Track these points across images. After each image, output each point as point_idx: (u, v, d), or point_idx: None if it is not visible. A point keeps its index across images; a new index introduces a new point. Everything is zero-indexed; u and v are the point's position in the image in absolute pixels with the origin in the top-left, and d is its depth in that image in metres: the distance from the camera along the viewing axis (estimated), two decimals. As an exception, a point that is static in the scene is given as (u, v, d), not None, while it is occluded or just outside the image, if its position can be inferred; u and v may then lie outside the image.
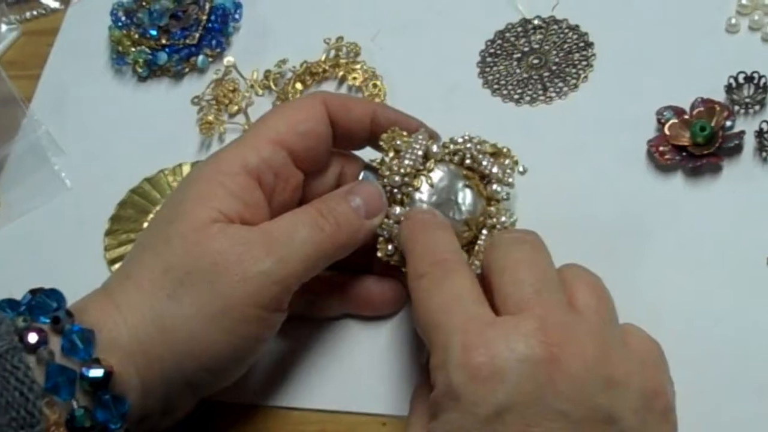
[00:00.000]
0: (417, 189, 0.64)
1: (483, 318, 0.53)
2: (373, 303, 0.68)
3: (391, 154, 0.65)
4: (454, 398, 0.50)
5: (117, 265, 0.76)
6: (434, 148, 0.65)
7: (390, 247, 0.64)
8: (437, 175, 0.65)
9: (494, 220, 0.65)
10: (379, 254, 0.64)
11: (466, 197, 0.65)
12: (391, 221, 0.64)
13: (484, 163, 0.65)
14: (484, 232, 0.65)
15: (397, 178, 0.64)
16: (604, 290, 0.56)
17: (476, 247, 0.65)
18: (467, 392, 0.50)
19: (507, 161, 0.67)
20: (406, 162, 0.64)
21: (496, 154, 0.67)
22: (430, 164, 0.65)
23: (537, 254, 0.57)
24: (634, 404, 0.51)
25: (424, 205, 0.64)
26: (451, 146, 0.66)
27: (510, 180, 0.66)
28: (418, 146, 0.65)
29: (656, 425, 0.52)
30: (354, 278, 0.68)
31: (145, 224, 0.78)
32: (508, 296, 0.54)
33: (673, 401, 0.54)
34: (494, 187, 0.65)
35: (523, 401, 0.49)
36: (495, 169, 0.65)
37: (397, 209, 0.64)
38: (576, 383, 0.49)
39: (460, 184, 0.65)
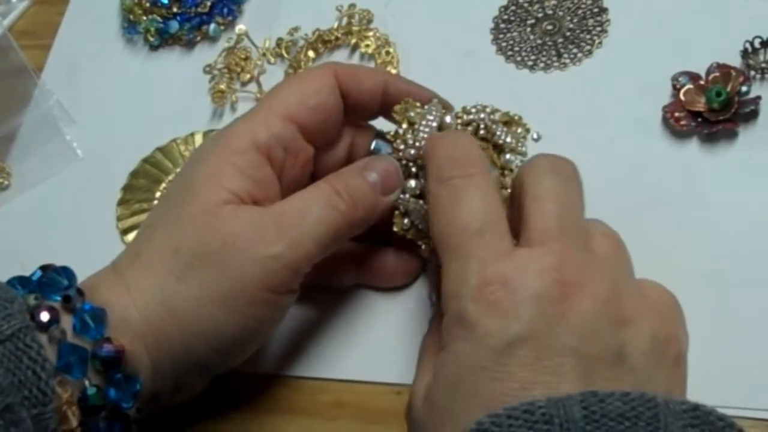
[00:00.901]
0: None
1: (501, 248, 0.52)
2: (387, 274, 0.68)
3: (405, 126, 0.64)
4: (465, 327, 0.50)
5: (130, 235, 0.76)
6: (447, 119, 0.64)
7: (406, 221, 0.63)
8: None
9: (508, 190, 0.64)
10: (395, 228, 0.64)
11: None
12: (406, 195, 0.63)
13: (498, 132, 0.65)
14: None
15: (412, 151, 0.63)
16: (622, 244, 0.56)
17: None
18: (480, 323, 0.50)
19: (519, 130, 0.66)
20: (421, 134, 0.63)
21: (509, 122, 0.66)
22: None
23: (569, 188, 0.56)
24: (645, 347, 0.50)
25: None
26: (465, 116, 0.65)
27: (523, 149, 0.65)
28: (432, 117, 0.64)
29: (666, 369, 0.51)
30: (369, 250, 0.67)
31: (158, 194, 0.78)
32: (532, 225, 0.53)
33: (686, 351, 0.53)
34: (507, 156, 0.65)
35: (534, 336, 0.49)
36: (509, 139, 0.65)
37: (412, 182, 0.63)
38: (587, 320, 0.49)
39: None
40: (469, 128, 0.65)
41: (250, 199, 0.60)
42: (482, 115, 0.65)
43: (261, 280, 0.58)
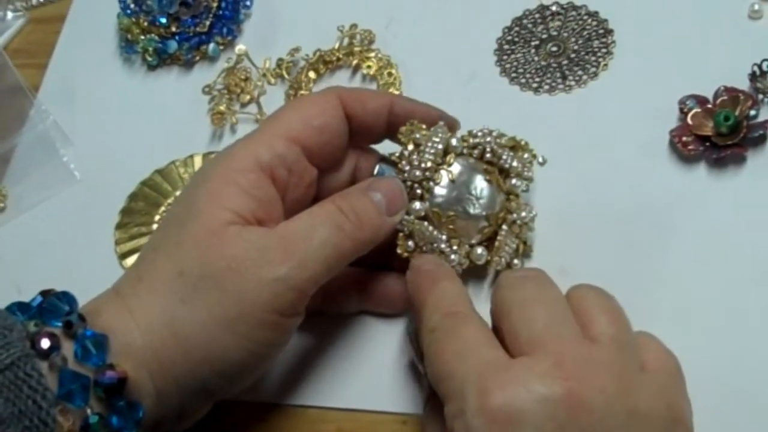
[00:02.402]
0: (437, 184, 0.63)
1: (497, 361, 0.51)
2: (391, 300, 0.67)
3: (411, 148, 0.64)
4: None
5: (128, 260, 0.75)
6: (453, 142, 0.65)
7: (410, 243, 0.63)
8: (456, 169, 0.64)
9: (514, 215, 0.64)
10: (398, 251, 0.64)
11: (485, 192, 0.64)
12: (411, 217, 0.63)
13: (504, 156, 0.64)
14: (504, 227, 0.64)
15: (417, 173, 0.63)
16: (618, 312, 0.55)
17: (497, 243, 0.64)
18: None
19: (526, 155, 0.66)
20: (427, 156, 0.63)
21: (515, 147, 0.66)
22: (449, 158, 0.64)
23: (543, 290, 0.56)
24: None
25: (441, 199, 0.64)
26: (471, 140, 0.65)
27: (529, 174, 0.65)
28: (438, 139, 0.64)
29: None
30: (372, 275, 0.67)
31: (157, 217, 0.77)
32: (518, 335, 0.53)
33: (691, 423, 0.53)
34: (513, 181, 0.65)
35: None
36: (515, 163, 0.65)
37: (417, 204, 0.63)
38: (599, 419, 0.48)
39: (480, 179, 0.64)
40: (475, 152, 0.65)
41: (253, 219, 0.59)
42: (488, 139, 0.65)
43: (268, 303, 0.57)
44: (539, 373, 0.49)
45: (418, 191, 0.64)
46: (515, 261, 0.65)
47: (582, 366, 0.50)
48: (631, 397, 0.50)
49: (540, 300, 0.54)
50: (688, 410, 0.53)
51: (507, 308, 0.54)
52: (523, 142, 0.66)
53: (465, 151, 0.65)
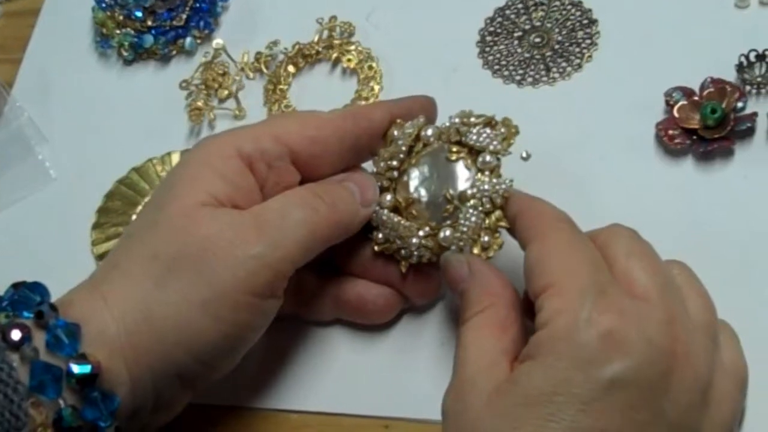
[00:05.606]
0: (401, 174, 0.64)
1: (619, 291, 0.53)
2: (365, 310, 0.66)
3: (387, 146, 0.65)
4: (572, 346, 0.50)
5: (106, 261, 0.74)
6: (428, 131, 0.64)
7: (380, 235, 0.64)
8: (423, 158, 0.64)
9: (475, 189, 0.62)
10: (373, 245, 0.64)
11: (448, 172, 0.63)
12: (378, 209, 0.64)
13: (471, 133, 0.63)
14: (467, 203, 0.62)
15: (382, 164, 0.64)
16: (711, 303, 0.58)
17: (459, 220, 0.62)
18: (590, 347, 0.50)
19: (502, 129, 0.63)
20: (392, 149, 0.64)
21: (491, 124, 0.64)
22: (418, 148, 0.64)
23: (656, 255, 0.57)
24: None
25: (403, 186, 0.64)
26: (441, 126, 0.65)
27: (498, 147, 0.63)
28: (405, 134, 0.64)
29: None
30: (346, 282, 0.66)
31: (134, 216, 0.76)
32: (636, 280, 0.54)
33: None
34: (487, 157, 0.62)
35: (637, 383, 0.49)
36: (482, 139, 0.63)
37: (388, 196, 0.64)
38: (683, 390, 0.51)
39: (442, 161, 0.63)
40: (443, 136, 0.64)
41: (229, 203, 0.60)
42: (455, 120, 0.64)
43: (242, 283, 0.57)
44: (654, 320, 0.52)
45: (385, 183, 0.64)
46: (485, 238, 0.62)
47: (687, 333, 0.53)
48: (712, 388, 0.53)
49: (656, 261, 0.57)
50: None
51: (627, 251, 0.56)
52: (498, 118, 0.64)
53: (434, 139, 0.64)
